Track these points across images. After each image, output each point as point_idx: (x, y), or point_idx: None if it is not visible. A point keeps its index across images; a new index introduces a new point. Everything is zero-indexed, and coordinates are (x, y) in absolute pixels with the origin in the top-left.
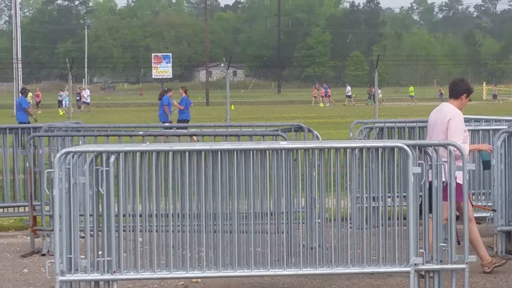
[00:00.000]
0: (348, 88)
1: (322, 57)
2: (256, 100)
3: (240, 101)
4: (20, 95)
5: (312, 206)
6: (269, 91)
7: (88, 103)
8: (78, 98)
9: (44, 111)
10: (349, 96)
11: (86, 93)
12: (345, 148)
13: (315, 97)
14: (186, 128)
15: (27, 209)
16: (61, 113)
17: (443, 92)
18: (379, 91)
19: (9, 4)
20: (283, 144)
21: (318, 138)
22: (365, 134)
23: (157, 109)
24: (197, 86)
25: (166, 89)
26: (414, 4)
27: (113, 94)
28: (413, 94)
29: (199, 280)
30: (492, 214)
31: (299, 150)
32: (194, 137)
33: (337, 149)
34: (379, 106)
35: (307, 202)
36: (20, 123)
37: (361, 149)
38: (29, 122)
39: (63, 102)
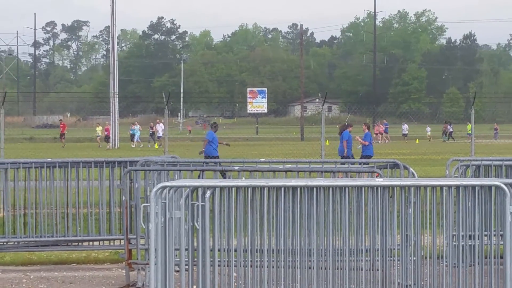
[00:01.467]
0: (405, 126)
1: (418, 94)
2: (388, 135)
3: (335, 137)
4: (210, 129)
5: (407, 244)
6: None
7: (160, 137)
8: (151, 132)
9: (89, 144)
10: (405, 135)
11: (160, 127)
12: (441, 186)
13: (376, 134)
14: (367, 164)
15: (122, 242)
16: (156, 146)
17: (499, 129)
18: (450, 127)
19: (107, 38)
20: (379, 181)
21: (414, 175)
22: (462, 172)
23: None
24: (292, 121)
25: (346, 123)
26: (511, 41)
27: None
28: (470, 132)
29: None
30: None
31: (395, 188)
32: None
33: (433, 187)
34: (467, 143)
35: (403, 239)
36: (207, 156)
37: (457, 187)
38: (217, 156)
39: (135, 136)
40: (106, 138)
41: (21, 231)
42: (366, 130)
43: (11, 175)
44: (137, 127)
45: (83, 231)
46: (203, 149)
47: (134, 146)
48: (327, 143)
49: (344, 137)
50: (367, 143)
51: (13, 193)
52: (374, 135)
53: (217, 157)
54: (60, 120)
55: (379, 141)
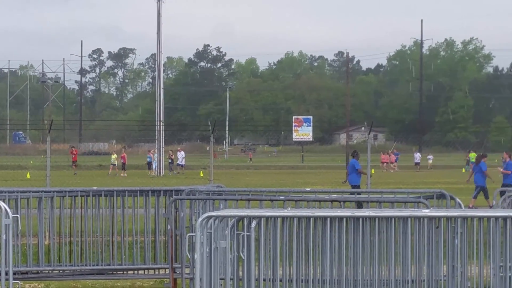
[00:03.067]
0: (418, 155)
1: (464, 122)
2: (397, 164)
3: (406, 165)
4: (351, 157)
5: (454, 275)
6: (410, 155)
7: (182, 165)
8: (170, 161)
9: (134, 172)
10: (417, 163)
11: (181, 155)
12: (488, 218)
13: (385, 162)
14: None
15: (167, 271)
16: (201, 174)
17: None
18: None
19: (153, 65)
20: (426, 212)
21: (460, 206)
22: (509, 202)
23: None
24: (337, 149)
25: (482, 154)
26: None
27: (253, 157)
28: (474, 160)
29: None
30: None
31: (442, 219)
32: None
33: (480, 218)
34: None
35: (449, 270)
36: (353, 186)
37: (505, 218)
38: (359, 185)
39: (153, 164)
40: (123, 166)
41: (66, 259)
42: (508, 159)
43: (57, 203)
44: (155, 155)
45: (128, 259)
46: (346, 180)
47: (153, 174)
48: (373, 172)
49: (483, 168)
50: (509, 172)
51: (58, 221)
52: (381, 164)
53: (359, 186)
54: (72, 146)
55: (384, 170)
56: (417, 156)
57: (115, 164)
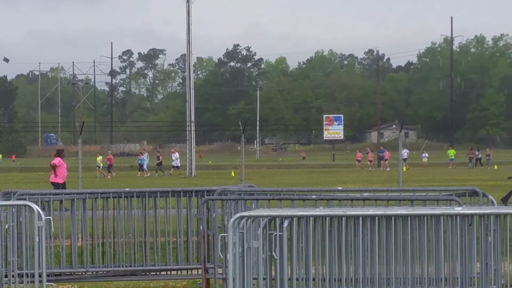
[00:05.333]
0: (406, 151)
1: (496, 119)
2: (429, 162)
3: (412, 163)
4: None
5: (487, 272)
6: (441, 153)
7: (177, 167)
8: (158, 161)
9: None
10: (405, 159)
11: (175, 156)
12: None
13: (359, 160)
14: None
15: (200, 271)
16: (233, 174)
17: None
18: (478, 153)
19: (183, 66)
20: (458, 210)
21: (493, 203)
22: None
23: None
24: (368, 147)
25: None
26: None
27: (284, 155)
28: (453, 158)
29: None
30: None
31: (475, 216)
32: None
33: None
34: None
35: (482, 268)
36: None
37: None
38: None
39: (144, 165)
40: (109, 168)
41: (99, 260)
42: None
43: (89, 205)
44: (145, 155)
45: (161, 260)
46: None
47: (146, 175)
48: (404, 169)
49: None
50: None
51: (91, 223)
52: (356, 162)
53: None
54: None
55: (387, 169)
56: (405, 152)
57: (100, 166)
